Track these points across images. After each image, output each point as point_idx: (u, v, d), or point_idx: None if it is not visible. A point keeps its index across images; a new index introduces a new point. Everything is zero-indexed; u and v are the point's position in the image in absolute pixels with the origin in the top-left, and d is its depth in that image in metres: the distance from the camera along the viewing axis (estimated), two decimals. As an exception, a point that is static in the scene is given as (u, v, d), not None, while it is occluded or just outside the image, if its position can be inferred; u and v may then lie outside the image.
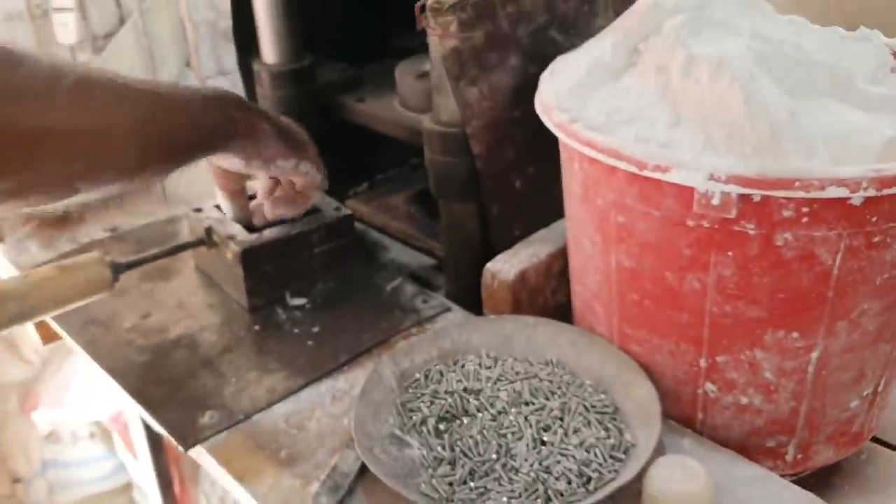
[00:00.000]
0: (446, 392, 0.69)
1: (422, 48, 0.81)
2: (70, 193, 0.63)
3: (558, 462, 0.62)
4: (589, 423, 0.66)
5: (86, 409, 1.77)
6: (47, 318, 0.76)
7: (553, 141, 0.69)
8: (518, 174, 0.82)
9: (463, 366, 0.73)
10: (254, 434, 0.70)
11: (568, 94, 0.67)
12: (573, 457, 0.62)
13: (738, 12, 0.68)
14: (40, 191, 0.62)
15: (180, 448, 0.70)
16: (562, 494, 0.60)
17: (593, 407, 0.67)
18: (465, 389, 0.70)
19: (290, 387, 0.75)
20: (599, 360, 0.71)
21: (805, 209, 0.55)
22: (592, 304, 0.72)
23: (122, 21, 1.71)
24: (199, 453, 0.70)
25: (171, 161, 0.69)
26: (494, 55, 0.75)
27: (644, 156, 0.57)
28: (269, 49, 0.97)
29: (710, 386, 0.65)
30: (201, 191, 1.02)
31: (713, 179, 0.55)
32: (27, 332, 1.29)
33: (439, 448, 0.64)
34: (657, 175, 0.57)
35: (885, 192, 0.53)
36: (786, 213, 0.55)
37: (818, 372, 0.63)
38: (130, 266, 0.79)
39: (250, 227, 0.87)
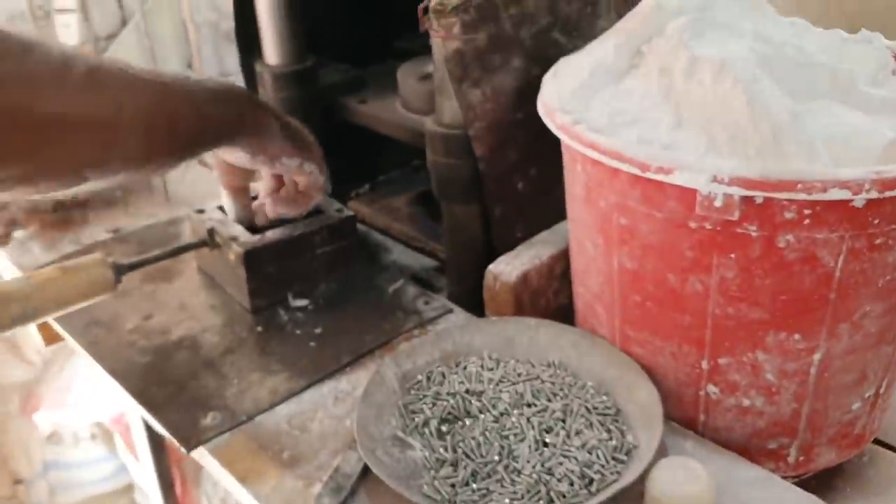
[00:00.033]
0: (448, 394, 0.70)
1: (424, 50, 0.81)
2: (78, 181, 0.64)
3: (560, 464, 0.62)
4: (591, 424, 0.66)
5: (87, 411, 1.77)
6: (50, 319, 0.76)
7: (555, 143, 0.69)
8: (520, 176, 0.82)
9: (465, 367, 0.73)
10: (256, 435, 0.70)
11: (571, 96, 0.67)
12: (575, 458, 0.62)
13: (740, 14, 0.68)
14: (49, 177, 0.62)
15: (182, 449, 0.70)
16: (564, 496, 0.60)
17: (595, 409, 0.67)
18: (467, 391, 0.70)
19: (292, 388, 0.75)
20: (601, 361, 0.71)
21: (807, 211, 0.55)
22: (594, 305, 0.72)
23: (124, 22, 1.71)
24: (201, 454, 0.70)
25: (177, 153, 0.69)
26: (497, 57, 0.76)
27: (647, 158, 0.57)
28: (272, 50, 0.97)
29: (712, 388, 0.65)
30: (203, 192, 1.03)
31: (716, 181, 0.55)
32: (29, 333, 1.30)
33: (441, 449, 0.64)
34: (660, 177, 0.57)
35: (887, 194, 0.53)
36: (788, 215, 0.55)
37: (820, 374, 0.63)
38: (133, 267, 0.79)
39: (252, 227, 0.87)
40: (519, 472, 0.62)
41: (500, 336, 0.75)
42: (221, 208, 0.90)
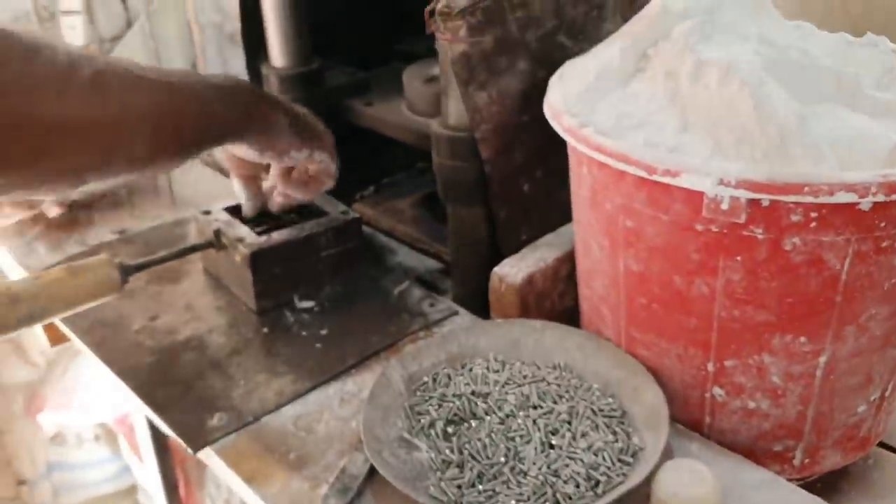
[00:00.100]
0: (454, 395, 0.70)
1: (429, 52, 0.82)
2: (79, 185, 0.63)
3: (566, 465, 0.62)
4: (597, 426, 0.66)
5: (91, 412, 1.77)
6: (56, 320, 0.76)
7: (561, 145, 0.69)
8: (526, 178, 0.82)
9: (471, 369, 0.73)
10: (262, 436, 0.71)
11: (577, 99, 0.67)
12: (581, 460, 0.63)
13: (745, 18, 0.68)
14: (49, 182, 0.61)
15: (189, 450, 0.70)
16: (570, 498, 0.60)
17: (601, 410, 0.68)
18: (473, 393, 0.70)
19: (298, 389, 0.75)
20: (607, 363, 0.71)
21: (814, 214, 0.55)
22: (600, 307, 0.72)
23: (129, 24, 1.71)
24: (207, 455, 0.70)
25: (182, 152, 0.69)
26: (503, 60, 0.76)
27: (653, 160, 0.57)
28: (278, 52, 0.98)
29: (717, 390, 0.66)
30: (209, 193, 1.03)
31: (722, 184, 0.55)
32: (34, 334, 1.30)
33: (447, 451, 0.64)
34: (666, 180, 0.57)
35: (894, 197, 0.53)
36: (794, 218, 0.55)
37: (826, 376, 0.63)
38: (139, 268, 0.80)
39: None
40: (525, 474, 0.62)
41: (505, 338, 0.76)
42: (227, 209, 0.91)
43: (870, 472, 0.72)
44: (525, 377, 0.71)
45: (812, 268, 0.58)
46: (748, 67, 0.59)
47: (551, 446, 0.64)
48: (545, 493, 0.60)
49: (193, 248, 0.88)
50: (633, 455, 0.64)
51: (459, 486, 0.62)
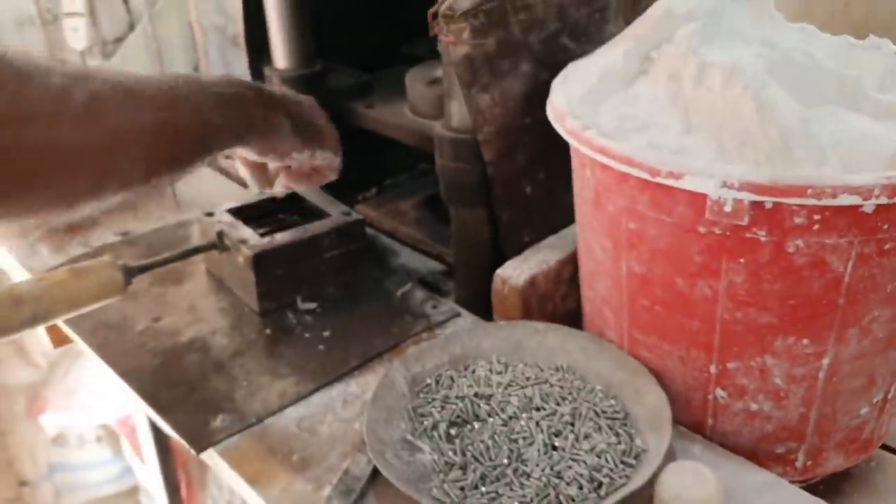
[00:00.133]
0: (457, 397, 0.70)
1: (432, 55, 0.82)
2: (72, 211, 0.60)
3: (569, 467, 0.62)
4: (600, 428, 0.66)
5: (93, 413, 1.78)
6: (59, 321, 0.76)
7: (563, 147, 0.69)
8: (528, 180, 0.82)
9: (474, 371, 0.73)
10: (265, 438, 0.71)
11: (580, 101, 0.67)
12: (584, 462, 0.63)
13: (748, 20, 0.68)
14: (41, 210, 0.58)
15: (192, 451, 0.70)
16: (573, 500, 0.60)
17: (604, 412, 0.68)
18: (476, 394, 0.70)
19: (301, 391, 0.75)
20: (610, 365, 0.71)
21: (817, 216, 0.55)
22: (603, 309, 0.72)
23: (131, 26, 1.72)
24: (210, 457, 0.70)
25: (180, 168, 0.67)
26: (506, 62, 0.76)
27: (657, 163, 0.57)
28: (281, 54, 0.98)
29: (720, 392, 0.66)
30: (212, 195, 1.03)
31: (726, 186, 0.55)
32: (37, 335, 1.30)
33: (450, 453, 0.65)
34: (670, 182, 0.57)
35: (897, 199, 0.53)
36: (797, 221, 0.55)
37: (828, 378, 0.63)
38: (143, 270, 0.80)
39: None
40: (528, 476, 0.62)
41: (508, 340, 0.76)
42: (231, 211, 0.91)
43: (872, 475, 0.72)
44: (528, 379, 0.72)
45: (815, 270, 0.58)
46: (751, 70, 0.59)
47: (554, 448, 0.65)
48: (548, 495, 0.60)
49: (197, 250, 0.88)
50: (636, 457, 0.64)
51: (462, 488, 0.62)
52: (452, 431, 0.67)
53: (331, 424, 0.72)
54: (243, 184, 1.11)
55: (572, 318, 0.81)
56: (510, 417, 0.67)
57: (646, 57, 0.68)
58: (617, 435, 0.65)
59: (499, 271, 0.78)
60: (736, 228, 0.57)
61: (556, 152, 0.71)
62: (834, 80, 0.64)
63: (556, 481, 0.61)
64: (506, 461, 0.63)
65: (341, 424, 0.72)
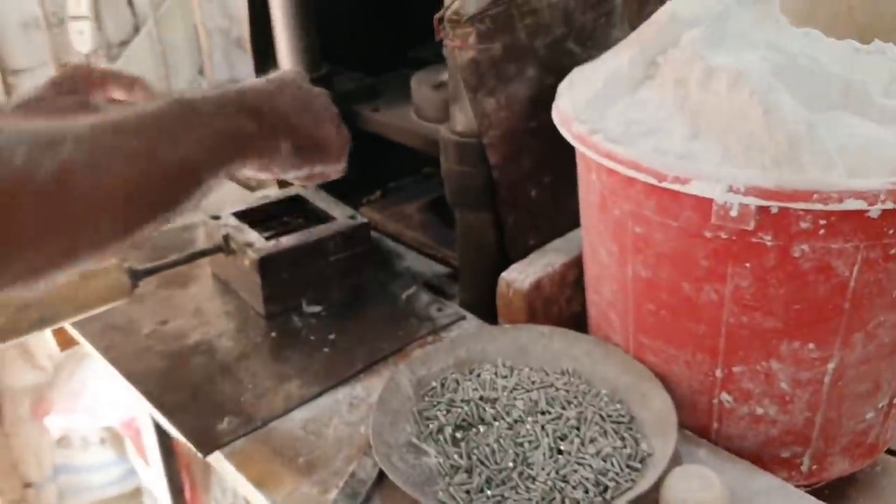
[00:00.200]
0: (463, 401, 0.70)
1: (437, 59, 0.82)
2: (37, 285, 0.53)
3: (575, 471, 0.62)
4: (605, 432, 0.66)
5: (98, 415, 1.78)
6: (66, 324, 0.77)
7: (568, 151, 0.69)
8: (534, 184, 0.82)
9: (479, 375, 0.73)
10: (271, 440, 0.71)
11: (586, 106, 0.67)
12: (590, 466, 0.63)
13: (754, 25, 0.68)
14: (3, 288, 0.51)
15: (199, 454, 0.70)
16: (579, 503, 0.60)
17: (609, 416, 0.68)
18: (481, 398, 0.70)
19: (306, 394, 0.76)
20: (615, 369, 0.71)
21: (822, 221, 0.55)
22: (608, 313, 0.73)
23: (136, 29, 1.72)
24: (217, 459, 0.70)
25: (161, 217, 0.58)
26: (512, 66, 0.76)
27: (663, 167, 0.58)
28: (286, 57, 0.98)
29: (725, 396, 0.66)
30: (218, 198, 1.03)
31: (732, 191, 0.55)
32: (43, 337, 1.30)
33: (456, 456, 0.65)
34: (676, 186, 0.57)
35: (903, 204, 0.53)
36: (803, 225, 0.56)
37: (834, 383, 0.63)
38: (149, 273, 0.80)
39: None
40: (533, 480, 0.62)
41: (513, 344, 0.76)
42: (236, 214, 0.91)
43: (878, 479, 0.72)
44: (533, 383, 0.72)
45: (820, 275, 0.58)
46: (757, 74, 0.59)
47: (560, 452, 0.65)
48: (554, 498, 0.61)
49: (203, 253, 0.88)
50: (642, 461, 0.64)
51: (468, 492, 0.62)
52: (458, 435, 0.67)
53: (336, 427, 0.72)
54: (249, 187, 1.12)
55: (577, 321, 0.81)
56: (515, 421, 0.67)
57: (652, 62, 0.68)
58: (622, 439, 0.66)
59: (504, 275, 0.78)
60: (742, 233, 0.57)
61: (561, 156, 0.71)
62: (839, 85, 0.64)
63: (562, 485, 0.61)
64: (511, 465, 0.63)
65: (347, 427, 0.72)
